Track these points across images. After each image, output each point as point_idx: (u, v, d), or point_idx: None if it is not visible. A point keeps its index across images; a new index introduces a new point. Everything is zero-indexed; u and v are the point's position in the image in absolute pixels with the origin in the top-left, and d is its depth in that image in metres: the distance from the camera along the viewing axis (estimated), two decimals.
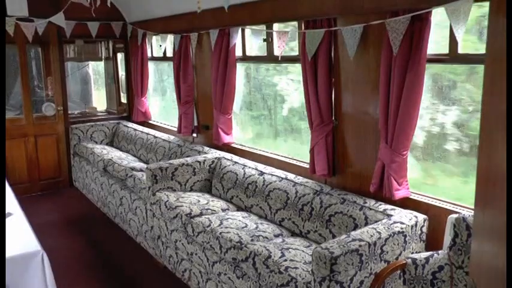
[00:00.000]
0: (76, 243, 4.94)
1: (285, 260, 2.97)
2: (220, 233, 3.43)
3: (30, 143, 6.64)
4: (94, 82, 8.40)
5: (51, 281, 2.72)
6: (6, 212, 3.33)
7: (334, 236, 3.25)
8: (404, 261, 2.49)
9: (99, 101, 8.14)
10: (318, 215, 3.42)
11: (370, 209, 3.17)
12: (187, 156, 4.93)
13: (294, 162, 4.22)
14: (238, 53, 4.67)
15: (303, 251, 3.14)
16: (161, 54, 6.11)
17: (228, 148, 4.91)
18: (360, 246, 2.60)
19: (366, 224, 3.06)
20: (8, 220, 3.22)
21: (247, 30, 4.53)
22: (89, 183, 6.16)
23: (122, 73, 7.43)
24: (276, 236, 3.49)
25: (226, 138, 4.85)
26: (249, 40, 4.64)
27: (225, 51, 4.57)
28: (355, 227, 3.14)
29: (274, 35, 4.17)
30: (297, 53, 4.06)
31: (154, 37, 6.20)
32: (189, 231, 3.74)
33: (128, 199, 4.94)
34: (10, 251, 2.71)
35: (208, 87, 5.05)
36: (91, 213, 5.90)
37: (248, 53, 4.70)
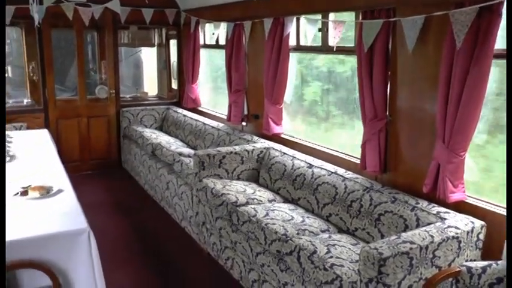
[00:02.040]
0: (121, 224, 5.06)
1: (331, 257, 2.90)
2: (266, 224, 3.40)
3: (83, 123, 6.85)
4: (146, 68, 8.53)
5: (96, 259, 2.77)
6: (58, 188, 3.43)
7: (382, 236, 3.15)
8: (458, 269, 2.36)
9: (150, 86, 8.27)
10: (366, 213, 3.33)
11: (423, 210, 3.04)
12: (235, 145, 4.92)
13: (344, 156, 4.12)
14: (292, 42, 4.58)
15: (350, 249, 3.07)
16: (213, 42, 6.11)
17: (277, 139, 4.86)
18: (411, 249, 2.49)
19: (418, 226, 2.95)
20: (58, 196, 3.31)
21: (302, 20, 4.44)
22: (137, 165, 6.29)
23: (173, 59, 7.50)
24: (323, 231, 3.43)
25: (276, 129, 4.80)
26: (304, 30, 4.55)
27: (278, 41, 4.50)
28: (406, 228, 3.03)
29: (330, 24, 4.07)
30: (352, 44, 3.94)
31: (207, 25, 6.20)
32: (234, 220, 3.74)
33: (174, 184, 5.00)
34: (58, 227, 2.79)
35: (259, 77, 5.00)
36: (137, 194, 6.02)
37: (302, 43, 4.61)
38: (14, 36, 7.28)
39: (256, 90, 5.16)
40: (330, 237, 3.28)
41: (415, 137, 3.37)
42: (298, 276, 3.01)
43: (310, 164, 4.06)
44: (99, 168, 6.96)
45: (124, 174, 6.82)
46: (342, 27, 3.80)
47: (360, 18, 3.61)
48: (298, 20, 4.50)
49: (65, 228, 2.77)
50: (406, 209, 3.11)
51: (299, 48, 4.64)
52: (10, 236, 2.65)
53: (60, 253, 2.68)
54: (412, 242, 2.53)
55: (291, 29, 4.48)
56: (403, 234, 2.64)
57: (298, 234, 3.28)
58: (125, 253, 4.37)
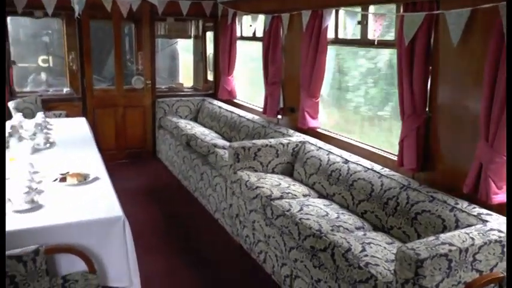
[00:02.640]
0: (154, 212, 5.13)
1: (366, 256, 2.85)
2: (300, 219, 3.36)
3: (119, 113, 6.97)
4: (182, 59, 8.58)
5: (131, 247, 2.82)
6: (95, 176, 3.49)
7: (419, 236, 3.07)
8: (501, 275, 2.27)
9: (186, 77, 8.33)
10: (403, 211, 3.25)
11: (462, 211, 2.94)
12: (270, 138, 4.89)
13: (381, 152, 4.04)
14: (330, 35, 4.50)
15: (385, 248, 3.00)
16: (250, 34, 6.08)
17: (313, 132, 4.80)
18: (450, 251, 2.41)
19: (457, 228, 2.85)
20: (95, 184, 3.38)
21: (341, 12, 4.36)
22: (172, 155, 6.35)
23: (210, 51, 7.52)
24: (358, 228, 3.37)
25: (312, 123, 4.75)
26: (342, 22, 4.46)
27: (316, 33, 4.44)
28: (444, 229, 2.93)
29: (370, 17, 3.98)
30: (392, 37, 3.84)
31: (244, 17, 6.17)
32: (268, 213, 3.72)
33: (208, 175, 5.01)
34: (94, 214, 2.84)
35: (296, 70, 4.94)
36: (171, 184, 6.09)
37: (341, 36, 4.52)
38: (55, 27, 7.46)
39: (293, 83, 5.11)
40: (365, 234, 3.22)
41: (456, 135, 3.26)
42: (332, 274, 2.97)
43: (346, 160, 4.00)
44: (134, 158, 7.07)
45: (158, 164, 6.90)
46: (382, 20, 3.71)
47: (401, 10, 3.51)
48: (337, 12, 4.42)
49: (101, 215, 2.83)
50: (445, 209, 3.01)
51: (337, 41, 4.56)
52: (48, 221, 2.74)
53: (96, 239, 2.74)
54: (451, 244, 2.45)
55: (330, 22, 4.40)
56: (442, 235, 2.56)
57: (332, 230, 3.23)
58: (157, 241, 4.43)
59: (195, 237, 4.56)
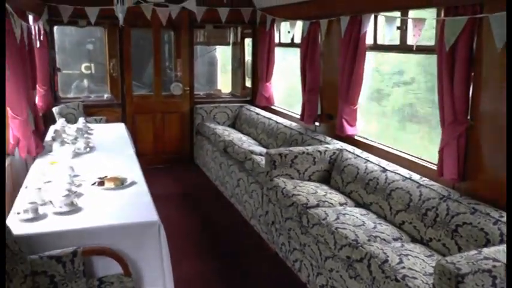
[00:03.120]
0: (190, 218, 5.17)
1: (403, 268, 2.76)
2: (336, 228, 3.31)
3: (158, 118, 7.09)
4: (220, 66, 8.65)
5: (166, 252, 2.85)
6: (132, 180, 3.54)
7: (460, 249, 2.95)
8: None
9: (224, 84, 8.39)
10: (443, 223, 3.14)
11: None
12: (308, 145, 4.85)
13: (420, 161, 3.92)
14: (369, 41, 4.43)
15: (424, 260, 2.91)
16: (289, 41, 6.06)
17: (350, 140, 4.73)
18: (494, 267, 2.30)
19: (501, 242, 2.73)
20: (132, 188, 3.43)
21: (380, 18, 4.28)
22: (209, 161, 6.39)
23: (248, 58, 7.55)
24: (395, 239, 3.28)
25: (349, 130, 4.67)
26: (381, 28, 4.39)
27: (355, 39, 4.38)
28: (487, 243, 2.81)
29: (410, 22, 3.90)
30: (432, 43, 3.74)
31: (282, 23, 6.17)
32: (304, 221, 3.68)
33: (245, 181, 5.01)
34: (130, 218, 2.89)
35: (334, 76, 4.89)
36: (208, 190, 6.12)
37: (379, 42, 4.44)
38: (97, 35, 7.68)
39: (331, 90, 5.06)
40: (402, 246, 3.12)
41: (500, 144, 3.12)
42: (368, 285, 2.90)
43: (384, 168, 3.91)
44: (172, 163, 7.16)
45: (195, 169, 6.96)
46: (422, 25, 3.62)
47: (442, 15, 3.41)
48: (376, 18, 4.35)
49: (137, 219, 2.88)
50: (488, 222, 2.89)
51: (376, 47, 4.48)
52: (87, 223, 2.80)
53: (132, 243, 2.79)
54: (495, 259, 2.34)
55: (368, 27, 4.34)
56: (485, 249, 2.45)
57: (369, 240, 3.16)
58: (192, 246, 4.45)
59: (231, 243, 4.56)
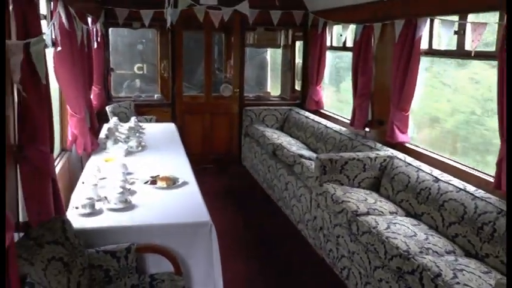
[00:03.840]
0: (237, 219, 5.20)
1: (458, 283, 2.67)
2: (387, 238, 3.24)
3: (207, 119, 7.18)
4: (270, 68, 8.67)
5: (216, 252, 2.87)
6: (183, 180, 3.58)
7: None
8: None
9: (274, 86, 8.40)
10: (501, 239, 3.00)
11: None
12: (357, 151, 4.79)
13: (474, 172, 3.78)
14: (424, 45, 4.32)
15: (480, 277, 2.79)
16: (340, 44, 6.00)
17: (401, 147, 4.62)
18: None
19: None
20: (184, 188, 3.48)
21: (436, 21, 4.17)
22: (257, 163, 6.40)
23: (298, 61, 7.53)
24: (448, 252, 3.17)
25: (400, 137, 4.57)
26: (437, 32, 4.26)
27: (409, 44, 4.28)
28: None
29: (468, 26, 3.76)
30: (493, 49, 3.60)
31: (334, 26, 6.11)
32: (354, 229, 3.62)
33: (293, 185, 4.99)
34: (182, 218, 2.93)
35: (386, 81, 4.80)
36: (255, 192, 6.14)
37: (435, 47, 4.32)
38: (149, 36, 7.87)
39: (382, 95, 4.97)
40: (456, 260, 3.02)
41: None
42: None
43: (437, 178, 3.79)
44: (219, 163, 7.22)
45: (243, 171, 7.00)
46: (483, 29, 3.49)
47: (505, 18, 3.27)
48: (432, 21, 4.23)
49: (190, 219, 2.92)
50: None
51: (431, 52, 4.37)
52: (140, 221, 2.86)
53: (183, 242, 2.83)
54: None
55: (424, 31, 4.23)
56: None
57: (421, 252, 3.08)
58: (238, 247, 4.47)
59: (277, 247, 4.55)
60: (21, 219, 2.53)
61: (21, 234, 2.31)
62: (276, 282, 3.87)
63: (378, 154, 4.47)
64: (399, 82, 4.42)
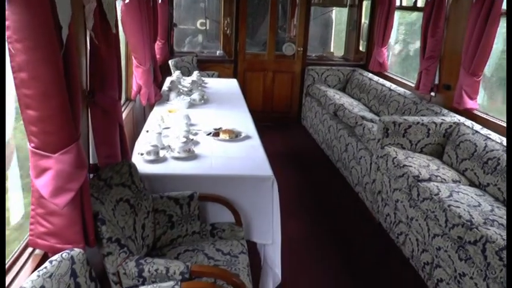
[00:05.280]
0: (295, 178, 5.21)
1: None
2: (449, 206, 3.14)
3: (268, 77, 7.16)
4: (335, 28, 8.45)
5: (276, 206, 2.89)
6: (246, 134, 3.61)
7: None
8: None
9: (337, 47, 8.20)
10: None
11: None
12: (421, 115, 4.62)
13: None
14: (504, 6, 4.03)
15: None
16: (411, 4, 5.73)
17: (468, 114, 4.41)
18: None
19: None
20: (246, 142, 3.51)
21: None
22: (317, 123, 6.35)
23: (364, 21, 7.29)
24: None
25: (469, 103, 4.36)
26: None
27: (488, 3, 4.00)
28: None
29: None
30: None
31: None
32: (414, 194, 3.54)
33: (353, 147, 4.92)
34: (245, 171, 2.96)
35: (458, 44, 4.55)
36: (314, 152, 6.12)
37: None
38: None
39: (452, 59, 4.73)
40: None
41: None
42: (480, 270, 2.74)
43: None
44: (279, 122, 7.25)
45: (302, 130, 6.99)
46: None
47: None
48: None
49: (252, 172, 2.94)
50: None
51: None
52: (202, 170, 2.91)
53: (245, 195, 2.85)
54: None
55: None
56: None
57: (485, 223, 2.96)
58: (295, 206, 4.50)
59: (333, 208, 4.54)
60: (91, 161, 2.64)
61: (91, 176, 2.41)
62: (331, 244, 3.87)
63: (443, 120, 4.29)
64: (473, 45, 4.17)
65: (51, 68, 1.62)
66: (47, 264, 1.59)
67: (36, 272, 1.55)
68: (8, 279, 1.87)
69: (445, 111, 4.60)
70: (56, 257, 1.62)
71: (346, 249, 3.80)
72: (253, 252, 2.97)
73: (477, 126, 4.09)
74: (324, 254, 3.71)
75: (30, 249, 2.06)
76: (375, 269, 3.55)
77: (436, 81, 5.04)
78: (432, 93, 5.09)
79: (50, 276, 1.55)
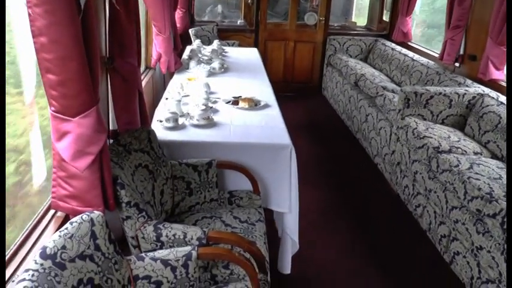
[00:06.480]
0: (314, 148, 5.21)
1: None
2: (469, 178, 3.10)
3: (290, 47, 7.09)
4: None
5: (294, 176, 2.88)
6: (265, 103, 3.59)
7: None
8: None
9: (360, 16, 8.05)
10: None
11: None
12: (445, 86, 4.53)
13: None
14: None
15: None
16: None
17: (494, 85, 4.31)
18: None
19: None
20: (266, 111, 3.48)
21: None
22: (337, 94, 6.29)
23: None
24: None
25: (495, 74, 4.26)
26: None
27: None
28: None
29: None
30: None
31: None
32: (433, 166, 3.51)
33: (373, 117, 4.87)
34: (263, 139, 2.94)
35: (487, 12, 4.40)
36: (334, 123, 6.10)
37: None
38: None
39: (479, 28, 4.59)
40: None
41: None
42: (498, 244, 2.71)
43: None
44: (299, 92, 7.21)
45: (323, 100, 6.94)
46: None
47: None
48: None
49: (271, 140, 2.92)
50: None
51: None
52: (220, 138, 2.92)
53: (263, 163, 2.85)
54: None
55: None
56: None
57: (505, 196, 2.92)
58: (314, 176, 4.51)
59: (352, 179, 4.53)
60: (111, 128, 2.67)
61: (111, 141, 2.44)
62: (348, 214, 3.88)
63: (467, 90, 4.21)
64: (503, 13, 4.04)
65: (69, 32, 1.62)
66: (67, 225, 1.63)
67: (57, 233, 1.59)
68: (32, 239, 1.94)
69: (468, 81, 4.50)
70: (77, 218, 1.66)
71: (364, 221, 3.80)
72: (270, 221, 2.99)
73: (502, 98, 4.00)
74: (341, 225, 3.72)
75: (52, 211, 2.12)
76: (392, 241, 3.55)
77: (461, 52, 4.92)
78: (456, 64, 4.97)
79: (70, 237, 1.59)
